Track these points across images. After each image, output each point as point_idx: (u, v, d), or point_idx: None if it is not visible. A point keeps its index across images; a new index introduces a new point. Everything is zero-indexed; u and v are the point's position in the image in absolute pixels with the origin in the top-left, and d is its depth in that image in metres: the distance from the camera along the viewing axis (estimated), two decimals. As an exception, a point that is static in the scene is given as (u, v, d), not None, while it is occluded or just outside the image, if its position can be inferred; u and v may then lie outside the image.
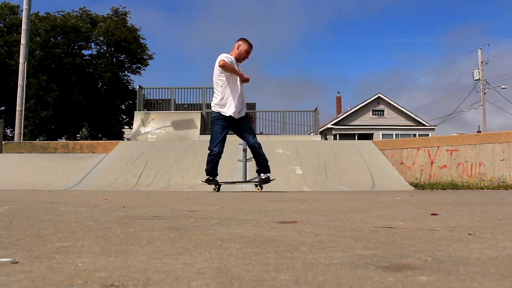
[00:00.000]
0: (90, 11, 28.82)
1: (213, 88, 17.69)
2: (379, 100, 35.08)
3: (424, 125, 34.29)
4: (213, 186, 5.84)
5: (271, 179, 5.67)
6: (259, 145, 5.45)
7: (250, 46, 5.36)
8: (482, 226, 1.58)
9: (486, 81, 35.07)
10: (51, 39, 26.82)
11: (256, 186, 5.86)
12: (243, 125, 5.40)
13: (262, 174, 5.57)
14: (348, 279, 0.76)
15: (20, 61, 12.64)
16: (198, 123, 12.65)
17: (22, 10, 14.11)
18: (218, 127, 5.32)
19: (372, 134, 32.94)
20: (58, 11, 28.15)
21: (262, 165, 5.54)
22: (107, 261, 0.92)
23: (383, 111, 35.00)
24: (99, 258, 0.95)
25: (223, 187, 6.89)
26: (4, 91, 25.90)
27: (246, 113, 5.54)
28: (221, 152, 5.40)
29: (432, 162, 8.03)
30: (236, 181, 6.54)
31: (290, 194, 5.06)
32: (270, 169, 5.67)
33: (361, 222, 1.74)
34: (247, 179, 7.12)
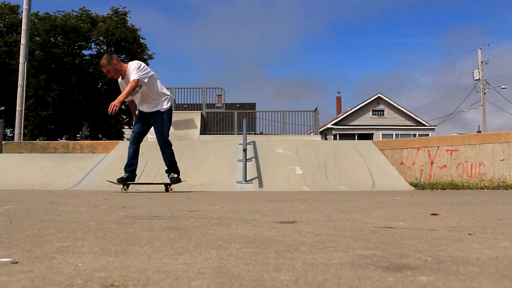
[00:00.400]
0: (90, 11, 28.84)
1: (212, 88, 17.41)
2: (379, 100, 35.09)
3: (424, 125, 34.29)
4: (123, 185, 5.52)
5: (181, 179, 5.59)
6: (167, 145, 5.40)
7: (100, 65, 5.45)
8: (482, 226, 1.58)
9: (486, 81, 35.04)
10: (51, 39, 26.82)
11: (166, 187, 5.70)
12: (154, 124, 5.47)
13: (172, 174, 5.51)
14: (348, 279, 0.76)
15: (20, 61, 12.63)
16: (198, 123, 12.66)
17: (22, 11, 14.11)
18: (136, 118, 5.59)
19: (372, 134, 32.94)
20: (58, 11, 28.17)
21: (169, 166, 5.50)
22: (107, 261, 0.92)
23: (383, 111, 35.01)
24: (99, 258, 0.95)
25: (223, 187, 6.89)
26: (4, 91, 25.90)
27: (162, 113, 5.42)
28: (136, 137, 5.43)
29: (432, 162, 8.03)
30: (149, 182, 6.17)
31: (290, 194, 5.06)
32: (179, 170, 5.60)
33: (361, 222, 1.74)
34: (247, 179, 7.12)
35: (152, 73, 5.38)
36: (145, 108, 5.47)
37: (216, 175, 7.46)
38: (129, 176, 5.40)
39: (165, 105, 5.46)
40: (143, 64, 5.35)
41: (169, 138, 5.58)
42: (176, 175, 5.52)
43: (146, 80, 5.23)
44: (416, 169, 8.16)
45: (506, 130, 7.60)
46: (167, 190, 5.71)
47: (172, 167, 5.52)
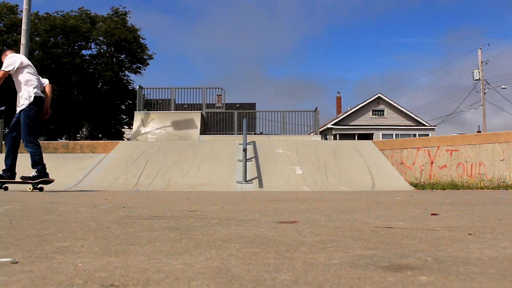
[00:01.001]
0: (89, 11, 28.83)
1: (212, 88, 17.37)
2: (379, 100, 35.08)
3: (424, 125, 34.28)
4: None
5: (47, 179, 5.30)
6: (28, 144, 5.22)
7: None
8: (482, 226, 1.58)
9: (486, 81, 35.02)
10: (51, 39, 26.82)
11: (34, 186, 5.31)
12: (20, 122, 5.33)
13: (33, 173, 5.26)
14: (348, 279, 0.76)
15: (20, 61, 12.62)
16: (198, 123, 12.66)
17: (21, 10, 14.10)
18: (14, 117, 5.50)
19: (372, 134, 32.93)
20: (57, 11, 28.18)
21: (31, 165, 5.30)
22: (107, 261, 0.92)
23: (383, 111, 35.00)
24: (99, 258, 0.95)
25: (223, 187, 6.89)
26: (4, 91, 25.87)
27: (22, 111, 5.27)
28: (7, 137, 5.37)
29: (432, 162, 8.03)
30: (15, 180, 5.69)
31: (290, 194, 5.06)
32: (46, 170, 5.35)
33: (361, 222, 1.74)
34: (247, 179, 7.12)
35: (23, 65, 5.29)
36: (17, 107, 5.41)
37: (216, 175, 7.46)
38: (1, 174, 5.36)
39: (24, 103, 5.27)
40: (14, 56, 5.37)
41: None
42: (31, 175, 5.25)
43: (9, 70, 5.23)
44: (416, 169, 8.16)
45: (506, 130, 7.60)
46: (40, 189, 5.39)
47: (32, 166, 5.28)
